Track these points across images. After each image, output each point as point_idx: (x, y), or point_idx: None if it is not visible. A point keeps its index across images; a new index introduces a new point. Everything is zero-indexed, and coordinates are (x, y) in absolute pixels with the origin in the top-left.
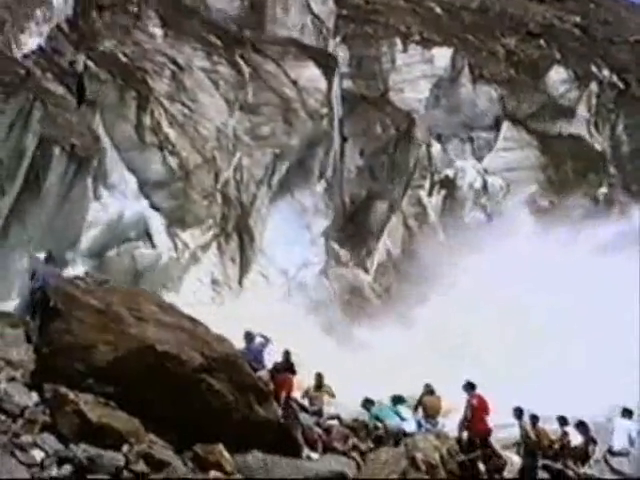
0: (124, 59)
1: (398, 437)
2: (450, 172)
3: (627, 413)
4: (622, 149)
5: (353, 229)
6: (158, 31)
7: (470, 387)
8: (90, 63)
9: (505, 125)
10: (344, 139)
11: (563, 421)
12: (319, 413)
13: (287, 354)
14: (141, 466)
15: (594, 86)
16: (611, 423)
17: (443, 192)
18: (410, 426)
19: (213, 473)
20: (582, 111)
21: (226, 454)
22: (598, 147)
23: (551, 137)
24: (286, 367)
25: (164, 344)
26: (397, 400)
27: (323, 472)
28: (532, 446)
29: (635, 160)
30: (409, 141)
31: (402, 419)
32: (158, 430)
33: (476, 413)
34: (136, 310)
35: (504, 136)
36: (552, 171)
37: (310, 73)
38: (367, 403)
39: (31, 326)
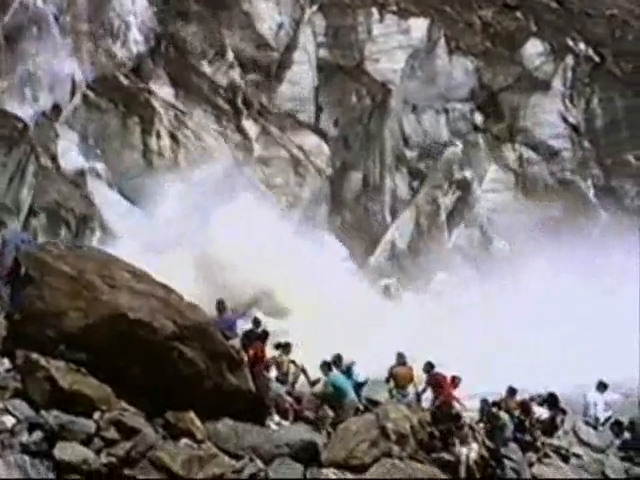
0: None
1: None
2: (468, 174)
3: (602, 386)
4: (596, 123)
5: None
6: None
7: (430, 367)
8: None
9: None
10: (319, 108)
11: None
12: (284, 380)
13: (256, 321)
14: (112, 433)
15: (570, 59)
16: (584, 397)
17: (458, 193)
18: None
19: (184, 440)
20: (557, 84)
21: (197, 422)
22: (573, 121)
23: None
24: (257, 335)
25: (136, 311)
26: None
27: (294, 440)
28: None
29: (609, 134)
30: (384, 111)
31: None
32: (129, 397)
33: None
34: (109, 277)
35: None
36: None
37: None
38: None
39: (1, 293)
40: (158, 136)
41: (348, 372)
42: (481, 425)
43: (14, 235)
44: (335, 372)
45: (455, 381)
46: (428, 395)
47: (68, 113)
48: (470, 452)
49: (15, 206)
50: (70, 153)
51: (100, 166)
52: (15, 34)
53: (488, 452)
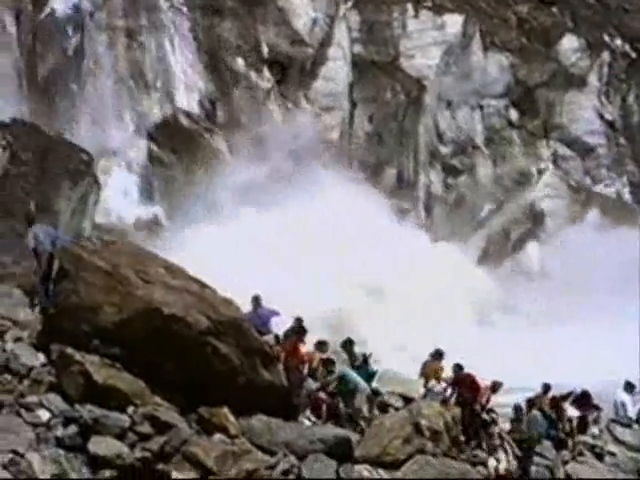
0: None
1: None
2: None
3: (629, 386)
4: (632, 119)
5: None
6: None
7: (459, 368)
8: None
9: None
10: (353, 104)
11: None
12: (314, 376)
13: (299, 320)
14: (146, 427)
15: (606, 55)
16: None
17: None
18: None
19: (218, 436)
20: (593, 80)
21: (231, 417)
22: (608, 117)
23: None
24: (295, 332)
25: (171, 307)
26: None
27: (327, 436)
28: None
29: None
30: (419, 108)
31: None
32: (163, 392)
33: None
34: (143, 272)
35: None
36: None
37: None
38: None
39: (37, 288)
40: None
41: (365, 362)
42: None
43: (46, 232)
44: (344, 366)
45: (495, 386)
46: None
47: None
48: (499, 463)
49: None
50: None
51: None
52: None
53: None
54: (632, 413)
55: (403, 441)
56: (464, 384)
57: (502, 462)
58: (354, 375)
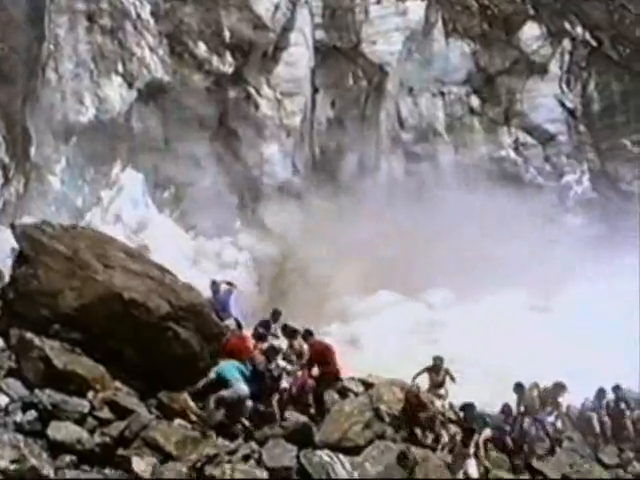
0: None
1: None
2: None
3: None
4: (593, 107)
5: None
6: None
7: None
8: None
9: None
10: (315, 90)
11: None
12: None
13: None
14: (106, 413)
15: (567, 43)
16: None
17: None
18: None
19: (178, 421)
20: (554, 68)
21: (191, 402)
22: (569, 105)
23: None
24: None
25: (131, 291)
26: None
27: (288, 422)
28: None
29: (605, 118)
30: (380, 94)
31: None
32: (123, 377)
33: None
34: (103, 257)
35: None
36: None
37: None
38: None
39: None
40: None
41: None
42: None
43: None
44: (227, 362)
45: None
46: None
47: None
48: (469, 468)
49: None
50: None
51: None
52: None
53: None
54: None
55: (363, 426)
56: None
57: (472, 467)
58: (233, 375)
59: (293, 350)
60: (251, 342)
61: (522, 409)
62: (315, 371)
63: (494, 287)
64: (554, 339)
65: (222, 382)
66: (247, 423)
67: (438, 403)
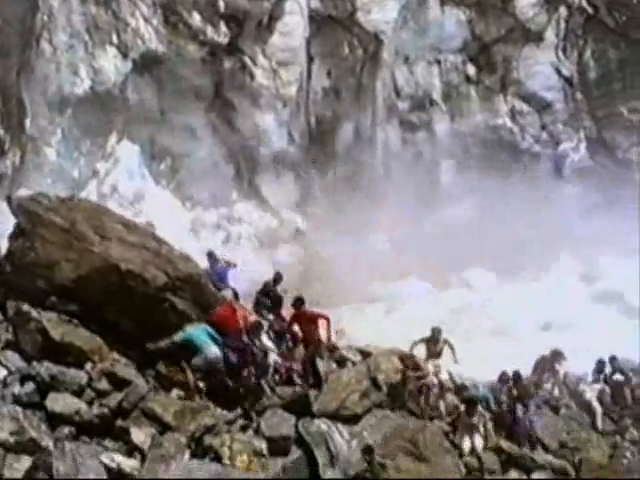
0: None
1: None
2: None
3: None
4: (589, 75)
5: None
6: None
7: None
8: None
9: None
10: (311, 59)
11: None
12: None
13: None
14: (103, 384)
15: (563, 10)
16: None
17: None
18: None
19: (176, 391)
20: (550, 36)
21: (188, 373)
22: (565, 72)
23: None
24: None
25: (128, 263)
26: None
27: (286, 392)
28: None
29: (601, 86)
30: (376, 63)
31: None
32: (121, 348)
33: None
34: (100, 228)
35: None
36: None
37: None
38: None
39: None
40: None
41: None
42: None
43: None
44: (195, 326)
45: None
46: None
47: None
48: (475, 443)
49: None
50: None
51: None
52: None
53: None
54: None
55: (361, 395)
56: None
57: (478, 442)
58: (202, 340)
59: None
60: (242, 315)
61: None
62: (296, 329)
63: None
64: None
65: (191, 348)
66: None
67: (432, 370)
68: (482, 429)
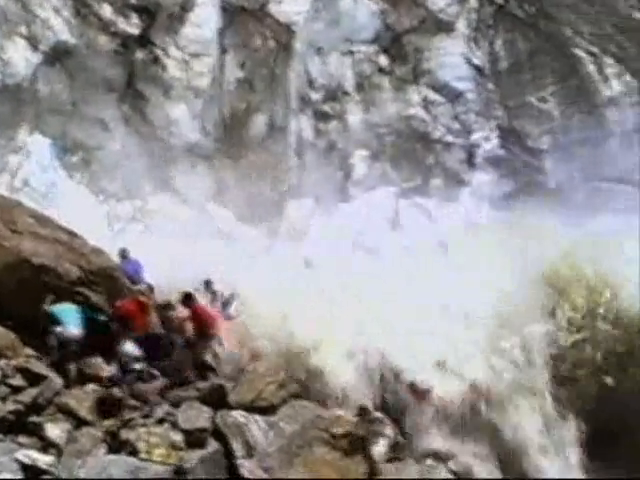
0: None
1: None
2: None
3: None
4: (500, 65)
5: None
6: None
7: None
8: None
9: None
10: (224, 51)
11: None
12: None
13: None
14: (18, 380)
15: (473, 1)
16: None
17: None
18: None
19: (91, 386)
20: (461, 26)
21: (104, 366)
22: (476, 62)
23: None
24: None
25: (40, 257)
26: None
27: (202, 384)
28: None
29: (512, 76)
30: (289, 54)
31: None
32: (35, 344)
33: None
34: (11, 222)
35: None
36: None
37: None
38: None
39: None
40: None
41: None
42: None
43: None
44: (66, 305)
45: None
46: None
47: None
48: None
49: None
50: None
51: None
52: None
53: None
54: None
55: (278, 386)
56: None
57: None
58: (65, 316)
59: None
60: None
61: None
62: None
63: None
64: None
65: (55, 323)
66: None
67: None
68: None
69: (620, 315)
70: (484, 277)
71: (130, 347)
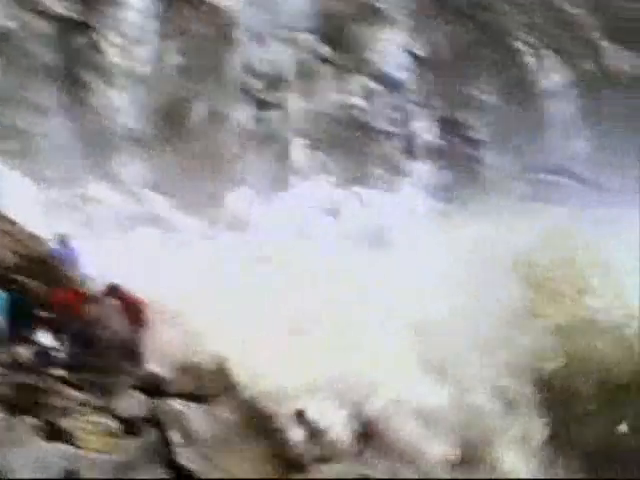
0: None
1: None
2: None
3: None
4: (441, 55)
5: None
6: None
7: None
8: None
9: None
10: (163, 37)
11: None
12: None
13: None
14: None
15: None
16: None
17: None
18: None
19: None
20: (402, 17)
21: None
22: (417, 52)
23: None
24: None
25: None
26: None
27: (139, 372)
28: None
29: (453, 67)
30: (228, 41)
31: None
32: None
33: None
34: None
35: None
36: None
37: None
38: None
39: None
40: None
41: None
42: None
43: None
44: None
45: None
46: None
47: None
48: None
49: None
50: None
51: None
52: None
53: None
54: None
55: (217, 376)
56: None
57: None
58: None
59: None
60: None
61: None
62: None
63: None
64: None
65: None
66: None
67: None
68: None
69: None
70: (425, 269)
71: (43, 337)
